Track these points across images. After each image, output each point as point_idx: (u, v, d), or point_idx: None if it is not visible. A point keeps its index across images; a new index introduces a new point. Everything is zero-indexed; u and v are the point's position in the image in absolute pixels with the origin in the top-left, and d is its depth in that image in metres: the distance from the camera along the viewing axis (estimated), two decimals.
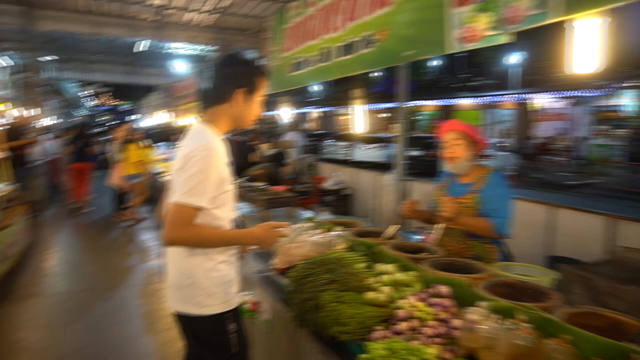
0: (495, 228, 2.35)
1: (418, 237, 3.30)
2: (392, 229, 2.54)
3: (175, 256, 1.79)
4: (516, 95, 18.66)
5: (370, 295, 1.71)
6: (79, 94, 26.24)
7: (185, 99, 11.84)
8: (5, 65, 11.27)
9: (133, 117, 27.81)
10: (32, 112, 8.98)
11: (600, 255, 3.44)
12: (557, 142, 17.90)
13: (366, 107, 6.18)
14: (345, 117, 29.31)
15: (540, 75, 17.60)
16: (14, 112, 9.12)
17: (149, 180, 8.05)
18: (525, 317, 1.40)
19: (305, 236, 2.25)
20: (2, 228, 4.84)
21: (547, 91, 16.93)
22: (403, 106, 5.48)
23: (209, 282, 1.76)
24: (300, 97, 25.90)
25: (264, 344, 2.38)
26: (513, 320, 1.39)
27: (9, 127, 7.98)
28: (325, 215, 3.78)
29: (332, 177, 8.01)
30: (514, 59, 19.57)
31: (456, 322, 1.49)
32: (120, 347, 3.61)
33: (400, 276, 1.83)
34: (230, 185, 1.82)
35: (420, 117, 25.99)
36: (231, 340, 1.81)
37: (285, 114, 12.37)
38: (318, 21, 5.11)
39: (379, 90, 21.70)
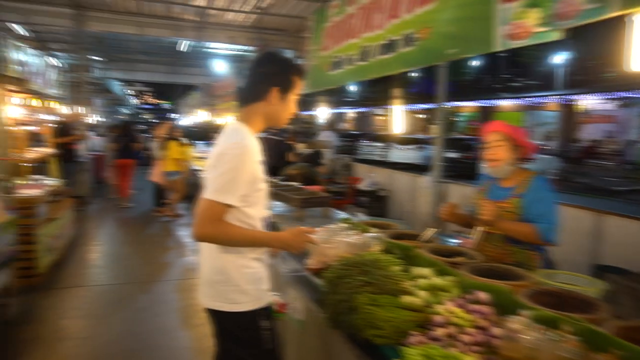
0: (541, 234, 2.26)
1: (455, 241, 3.22)
2: (429, 232, 2.49)
3: (208, 253, 1.81)
4: (561, 96, 17.95)
5: (407, 299, 1.67)
6: (123, 92, 27.23)
7: (224, 98, 12.05)
8: (55, 65, 11.81)
9: (173, 115, 28.56)
10: (80, 110, 9.40)
11: None
12: (604, 145, 17.10)
13: (403, 107, 6.09)
14: (381, 118, 29.09)
15: (588, 75, 16.83)
16: (63, 110, 9.54)
17: (188, 178, 8.25)
18: (571, 329, 1.32)
19: (340, 237, 2.22)
20: (49, 221, 5.07)
21: (595, 92, 16.18)
22: (442, 107, 5.37)
23: (241, 279, 1.77)
24: (336, 97, 25.85)
25: (295, 344, 2.38)
26: (558, 331, 1.32)
27: (58, 124, 8.37)
28: (360, 217, 3.75)
29: (368, 178, 7.95)
30: (558, 58, 18.79)
31: (496, 331, 1.43)
32: (156, 340, 3.71)
33: (437, 280, 1.78)
34: (263, 184, 1.82)
35: (458, 119, 25.44)
36: (263, 337, 1.82)
37: (322, 113, 12.37)
38: (358, 20, 5.07)
39: (417, 91, 21.38)
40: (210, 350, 1.99)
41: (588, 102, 18.41)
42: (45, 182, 5.58)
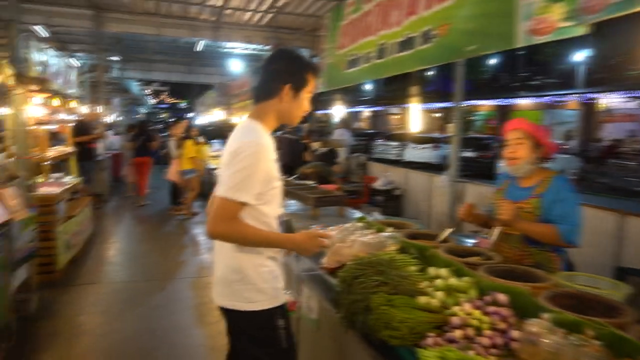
0: (563, 235, 2.20)
1: (472, 241, 3.18)
2: (445, 232, 2.45)
3: (223, 252, 1.80)
4: (581, 95, 17.59)
5: (423, 300, 1.64)
6: (140, 92, 27.56)
7: (240, 97, 12.11)
8: (75, 65, 12.01)
9: (189, 114, 28.82)
10: (99, 109, 9.54)
11: None
12: (626, 144, 16.68)
13: (419, 106, 6.03)
14: (396, 117, 28.94)
15: (609, 72, 16.45)
16: (82, 109, 9.71)
17: (203, 176, 8.31)
18: (594, 333, 1.28)
19: (355, 236, 2.20)
20: (68, 218, 5.15)
21: (616, 90, 15.81)
22: (458, 106, 5.31)
23: (257, 278, 1.76)
24: (351, 95, 25.79)
25: (309, 344, 2.37)
26: (580, 335, 1.28)
27: (77, 123, 8.50)
28: (376, 216, 3.72)
29: (383, 177, 7.90)
30: (579, 55, 18.38)
31: (515, 334, 1.39)
32: (171, 338, 3.73)
33: (454, 281, 1.74)
34: (278, 183, 1.81)
35: (475, 118, 25.14)
36: (280, 336, 1.80)
37: (337, 112, 12.34)
38: (375, 17, 5.02)
39: (433, 90, 21.20)
40: (225, 349, 1.98)
41: (609, 100, 18.00)
42: (64, 180, 5.68)
